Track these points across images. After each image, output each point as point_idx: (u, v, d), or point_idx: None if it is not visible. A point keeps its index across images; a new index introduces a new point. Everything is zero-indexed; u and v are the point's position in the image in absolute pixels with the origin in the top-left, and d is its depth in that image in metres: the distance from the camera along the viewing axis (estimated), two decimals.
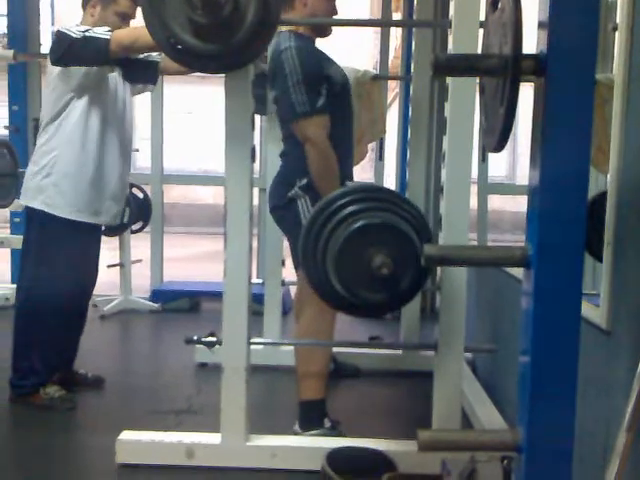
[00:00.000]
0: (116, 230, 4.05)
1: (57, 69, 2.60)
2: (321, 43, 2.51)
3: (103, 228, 2.93)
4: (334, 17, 2.47)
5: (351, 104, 2.54)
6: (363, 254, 1.81)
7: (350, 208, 1.90)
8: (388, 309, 2.01)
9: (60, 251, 2.67)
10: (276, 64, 2.35)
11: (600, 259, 1.68)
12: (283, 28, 2.39)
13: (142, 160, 5.26)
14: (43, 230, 2.68)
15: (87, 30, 2.51)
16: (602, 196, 1.69)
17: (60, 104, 2.64)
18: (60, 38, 2.51)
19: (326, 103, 2.29)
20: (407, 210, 1.97)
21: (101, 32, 2.50)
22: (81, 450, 2.44)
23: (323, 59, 2.39)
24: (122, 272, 4.56)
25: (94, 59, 2.53)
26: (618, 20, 1.67)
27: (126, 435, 2.24)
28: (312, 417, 2.40)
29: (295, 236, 2.21)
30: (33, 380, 2.72)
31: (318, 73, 2.31)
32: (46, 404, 2.70)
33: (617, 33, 1.66)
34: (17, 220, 4.49)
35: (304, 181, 2.33)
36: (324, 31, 2.47)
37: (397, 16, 5.02)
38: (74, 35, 2.49)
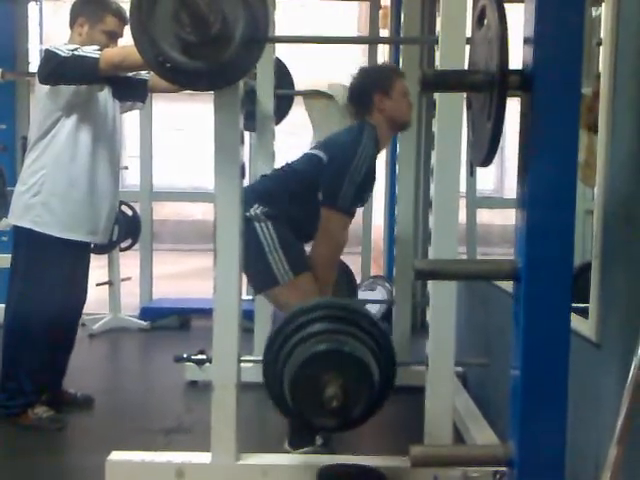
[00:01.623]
0: (105, 248, 4.02)
1: (46, 88, 2.59)
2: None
3: (92, 246, 2.92)
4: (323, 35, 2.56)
5: None
6: (318, 380, 1.74)
7: (314, 327, 1.84)
8: (340, 431, 2.06)
9: (49, 270, 2.65)
10: (346, 144, 2.45)
11: None
12: (373, 120, 2.51)
13: (131, 177, 5.24)
14: (31, 249, 2.66)
15: (76, 49, 2.51)
16: (586, 266, 1.72)
17: (49, 122, 2.63)
18: (49, 57, 2.51)
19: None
20: (375, 337, 1.89)
21: (90, 51, 2.50)
22: (71, 471, 2.41)
23: (375, 174, 2.55)
24: (111, 290, 4.52)
25: (83, 78, 2.53)
26: (602, 35, 1.69)
27: (116, 455, 2.21)
28: (302, 435, 2.38)
29: (252, 256, 2.28)
30: (21, 400, 2.69)
31: (369, 185, 2.52)
32: (35, 425, 2.66)
33: (601, 48, 1.68)
34: (4, 239, 4.47)
35: (265, 209, 2.40)
36: (406, 126, 2.64)
37: (384, 33, 5.05)
38: (63, 54, 2.49)
